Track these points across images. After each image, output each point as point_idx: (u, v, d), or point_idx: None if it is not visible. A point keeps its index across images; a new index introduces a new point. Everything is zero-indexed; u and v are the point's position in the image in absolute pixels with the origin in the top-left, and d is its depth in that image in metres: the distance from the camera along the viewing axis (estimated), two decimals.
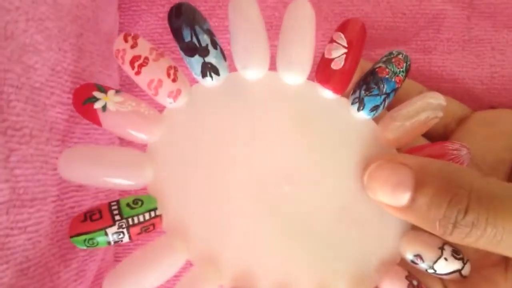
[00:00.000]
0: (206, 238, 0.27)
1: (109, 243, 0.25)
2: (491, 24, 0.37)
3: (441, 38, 0.37)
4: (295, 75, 0.27)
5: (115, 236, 0.25)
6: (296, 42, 0.26)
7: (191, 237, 0.27)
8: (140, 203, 0.25)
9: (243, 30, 0.26)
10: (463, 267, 0.26)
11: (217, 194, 0.27)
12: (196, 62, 0.25)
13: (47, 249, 0.27)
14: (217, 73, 0.26)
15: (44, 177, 0.27)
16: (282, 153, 0.27)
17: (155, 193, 0.27)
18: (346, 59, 0.26)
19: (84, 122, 0.30)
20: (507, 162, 0.31)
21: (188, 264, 0.27)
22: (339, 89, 0.27)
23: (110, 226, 0.25)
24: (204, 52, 0.25)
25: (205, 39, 0.25)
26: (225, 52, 0.26)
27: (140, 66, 0.25)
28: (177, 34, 0.25)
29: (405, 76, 0.27)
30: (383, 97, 0.26)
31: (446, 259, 0.26)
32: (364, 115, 0.27)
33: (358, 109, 0.27)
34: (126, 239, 0.25)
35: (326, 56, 0.26)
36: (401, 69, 0.27)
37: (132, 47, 0.25)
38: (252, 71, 0.27)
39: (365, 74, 0.27)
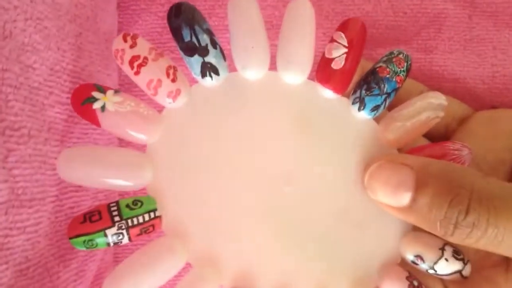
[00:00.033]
0: (205, 239, 0.27)
1: (108, 244, 0.25)
2: (493, 23, 0.37)
3: (442, 38, 0.37)
4: (295, 74, 0.27)
5: (114, 237, 0.25)
6: (296, 41, 0.26)
7: (190, 238, 0.27)
8: (139, 204, 0.25)
9: (243, 30, 0.26)
10: (463, 268, 0.26)
11: (216, 195, 0.27)
12: (195, 62, 0.25)
13: (46, 249, 0.27)
14: (216, 73, 0.26)
15: (42, 177, 0.27)
16: (282, 154, 0.27)
17: (154, 194, 0.27)
18: (346, 59, 0.26)
19: (83, 122, 0.30)
20: (507, 162, 0.31)
21: (188, 265, 0.27)
22: (340, 89, 0.27)
23: (110, 227, 0.24)
24: (203, 51, 0.25)
25: (204, 39, 0.25)
26: (225, 52, 0.26)
27: (139, 66, 0.25)
28: (176, 34, 0.25)
29: (406, 76, 0.27)
30: (384, 97, 0.26)
31: (446, 259, 0.25)
32: (364, 115, 0.27)
33: (359, 109, 0.27)
34: (125, 240, 0.25)
35: (327, 55, 0.26)
36: (402, 69, 0.27)
37: (131, 47, 0.25)
38: (252, 71, 0.27)
39: (365, 73, 0.27)
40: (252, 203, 0.27)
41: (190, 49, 0.25)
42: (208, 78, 0.26)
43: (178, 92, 0.26)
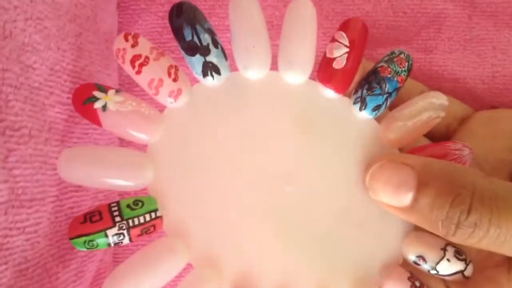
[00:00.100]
0: (206, 239, 0.27)
1: (109, 244, 0.25)
2: (493, 23, 0.37)
3: (442, 38, 0.37)
4: (297, 74, 0.27)
5: (115, 237, 0.24)
6: (297, 41, 0.26)
7: (191, 238, 0.27)
8: (140, 204, 0.25)
9: (244, 29, 0.26)
10: (465, 268, 0.26)
11: (218, 195, 0.27)
12: (197, 61, 0.25)
13: (46, 249, 0.27)
14: (218, 72, 0.26)
15: (43, 177, 0.27)
16: (283, 153, 0.27)
17: (155, 194, 0.26)
18: (348, 58, 0.26)
19: (84, 122, 0.30)
20: (508, 162, 0.31)
21: (189, 266, 0.27)
22: (341, 89, 0.27)
23: (110, 227, 0.24)
24: (205, 51, 0.25)
25: (206, 38, 0.25)
26: (226, 52, 0.26)
27: (141, 65, 0.25)
28: (178, 33, 0.25)
29: (407, 76, 0.27)
30: (385, 96, 0.26)
31: (448, 260, 0.25)
32: (366, 115, 0.27)
33: (360, 109, 0.27)
34: (126, 240, 0.25)
35: (328, 55, 0.26)
36: (403, 69, 0.27)
37: (133, 46, 0.25)
38: (253, 70, 0.27)
39: (367, 73, 0.27)
40: (253, 203, 0.27)
41: (192, 49, 0.25)
42: (209, 78, 0.26)
43: (179, 91, 0.26)
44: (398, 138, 0.27)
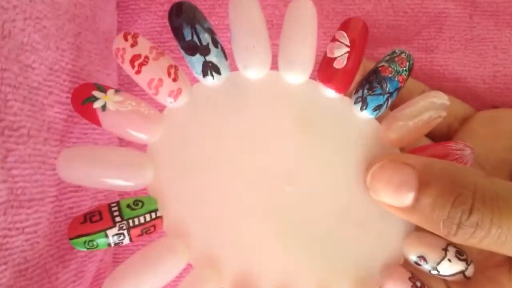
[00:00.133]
0: (207, 239, 0.27)
1: (109, 245, 0.25)
2: (494, 22, 0.37)
3: (443, 37, 0.37)
4: (297, 74, 0.27)
5: (115, 237, 0.24)
6: (298, 41, 0.26)
7: (191, 238, 0.27)
8: (140, 204, 0.25)
9: (244, 29, 0.26)
10: (466, 268, 0.25)
11: (218, 195, 0.27)
12: (197, 61, 0.25)
13: (45, 250, 0.27)
14: (218, 72, 0.26)
15: (42, 178, 0.27)
16: (284, 153, 0.27)
17: (155, 194, 0.26)
18: (348, 58, 0.26)
19: (83, 122, 0.30)
20: (510, 162, 0.31)
21: (190, 266, 0.27)
22: (342, 88, 0.27)
23: (111, 227, 0.24)
24: (205, 51, 0.25)
25: (206, 38, 0.25)
26: (226, 51, 0.26)
27: (140, 65, 0.25)
28: (177, 33, 0.25)
29: (408, 75, 0.27)
30: (386, 96, 0.26)
31: (449, 260, 0.25)
32: (367, 115, 0.27)
33: (361, 109, 0.27)
34: (126, 240, 0.25)
35: (329, 55, 0.26)
36: (404, 68, 0.26)
37: (132, 46, 0.25)
38: (253, 70, 0.27)
39: (368, 73, 0.27)
40: (253, 202, 0.27)
41: (192, 48, 0.25)
42: (209, 77, 0.26)
43: (179, 91, 0.26)
44: (399, 138, 0.27)
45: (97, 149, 0.27)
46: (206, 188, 0.27)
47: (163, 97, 0.26)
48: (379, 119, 0.27)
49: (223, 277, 0.27)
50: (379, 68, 0.26)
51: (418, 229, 0.26)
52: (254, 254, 0.27)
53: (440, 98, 0.26)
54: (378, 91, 0.26)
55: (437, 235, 0.24)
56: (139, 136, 0.26)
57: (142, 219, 0.25)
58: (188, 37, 0.25)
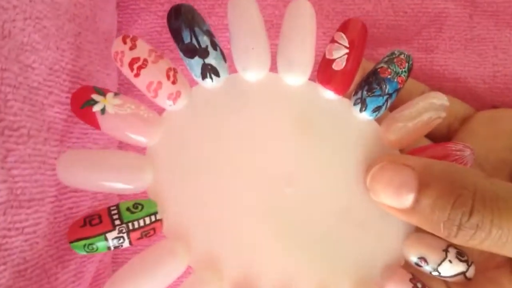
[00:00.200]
0: (207, 242, 0.27)
1: (109, 248, 0.25)
2: (494, 22, 0.37)
3: (443, 37, 0.37)
4: (296, 76, 0.27)
5: (115, 241, 0.24)
6: (297, 43, 0.26)
7: (192, 241, 0.27)
8: (140, 207, 0.25)
9: (243, 31, 0.26)
10: (467, 270, 0.25)
11: (217, 197, 0.27)
12: (196, 63, 0.25)
13: (44, 250, 0.27)
14: (217, 74, 0.26)
15: (42, 178, 0.27)
16: (284, 155, 0.27)
17: (155, 196, 0.26)
18: (347, 60, 0.26)
19: (83, 122, 0.30)
20: (510, 162, 0.31)
21: (190, 269, 0.27)
22: (341, 90, 0.27)
23: (110, 231, 0.24)
24: (204, 53, 0.25)
25: (204, 40, 0.25)
26: (226, 51, 0.26)
27: (139, 68, 0.25)
28: (176, 36, 0.25)
29: (407, 76, 0.27)
30: (385, 97, 0.26)
31: (450, 261, 0.25)
32: (366, 116, 0.27)
33: (360, 110, 0.27)
34: (126, 244, 0.25)
35: (328, 56, 0.26)
36: (403, 69, 0.26)
37: (131, 49, 0.25)
38: (253, 72, 0.27)
39: (367, 74, 0.27)
40: (253, 204, 0.27)
41: (190, 51, 0.25)
42: (208, 80, 0.26)
43: (178, 94, 0.26)
44: (398, 139, 0.27)
45: (97, 152, 0.27)
46: (205, 191, 0.27)
47: (162, 100, 0.26)
48: (379, 120, 0.27)
49: (223, 280, 0.27)
50: (378, 70, 0.26)
51: (418, 230, 0.26)
52: (254, 255, 0.27)
53: (439, 99, 0.26)
54: (377, 93, 0.26)
55: (438, 236, 0.24)
56: (139, 139, 0.26)
57: (141, 222, 0.25)
58: (187, 40, 0.25)
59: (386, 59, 0.27)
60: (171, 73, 0.25)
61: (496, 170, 0.31)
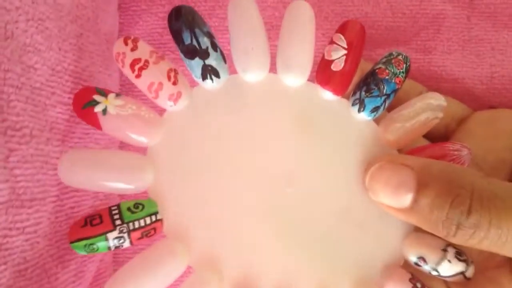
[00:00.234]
0: (207, 241, 0.27)
1: (109, 248, 0.25)
2: (491, 24, 0.37)
3: (441, 38, 0.37)
4: (295, 77, 0.27)
5: (115, 241, 0.24)
6: (296, 44, 0.26)
7: (192, 241, 0.27)
8: (141, 207, 0.25)
9: (243, 32, 0.26)
10: (466, 269, 0.25)
11: (218, 197, 0.27)
12: (196, 64, 0.25)
13: (45, 250, 0.27)
14: (217, 75, 0.26)
15: (44, 177, 0.27)
16: (283, 155, 0.27)
17: (155, 197, 0.27)
18: (346, 61, 0.26)
19: (85, 122, 0.30)
20: (507, 162, 0.31)
21: (190, 269, 0.27)
22: (340, 91, 0.27)
23: (111, 231, 0.24)
24: (204, 54, 0.25)
25: (205, 42, 0.25)
26: (226, 53, 0.26)
27: (141, 69, 0.25)
28: (177, 37, 0.25)
29: (405, 77, 0.27)
30: (383, 98, 0.26)
31: (449, 261, 0.25)
32: (364, 116, 0.27)
33: (359, 110, 0.27)
34: (127, 244, 0.25)
35: (326, 57, 0.26)
36: (401, 70, 0.27)
37: (132, 50, 0.25)
38: (252, 73, 0.27)
39: (365, 75, 0.27)
40: (253, 204, 0.27)
41: (191, 52, 0.25)
42: (208, 81, 0.26)
43: (179, 95, 0.26)
44: (396, 139, 0.27)
45: (98, 152, 0.27)
46: (206, 191, 0.27)
47: (163, 101, 0.26)
48: (377, 120, 0.27)
49: (223, 280, 0.27)
50: (376, 70, 0.27)
51: (417, 229, 0.26)
52: (254, 255, 0.27)
53: (437, 99, 0.27)
54: (376, 93, 0.26)
55: (437, 236, 0.24)
56: (139, 139, 0.26)
57: (142, 222, 0.25)
58: (187, 41, 0.25)
59: (384, 60, 0.27)
60: (172, 74, 0.26)
61: (495, 170, 0.31)
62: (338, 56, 0.26)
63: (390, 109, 0.28)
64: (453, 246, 0.26)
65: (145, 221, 0.25)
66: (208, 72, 0.26)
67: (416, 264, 0.26)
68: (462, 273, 0.25)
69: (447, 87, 0.37)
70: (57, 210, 0.28)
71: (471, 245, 0.23)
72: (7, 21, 0.24)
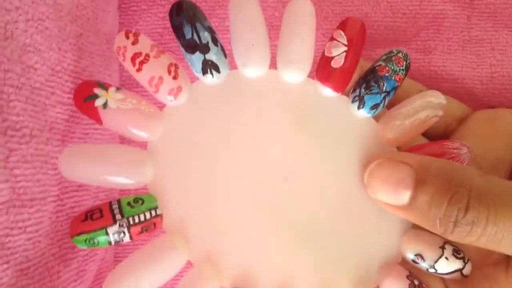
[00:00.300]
0: (206, 237, 0.27)
1: (109, 243, 0.25)
2: (491, 24, 0.37)
3: (441, 38, 0.37)
4: (295, 73, 0.27)
5: (116, 235, 0.24)
6: (296, 40, 0.26)
7: (191, 237, 0.27)
8: (140, 201, 0.25)
9: (244, 27, 0.26)
10: (464, 267, 0.26)
11: (217, 193, 0.27)
12: (196, 59, 0.26)
13: (47, 249, 0.27)
14: (217, 70, 0.26)
15: (44, 177, 0.27)
16: (282, 151, 0.27)
17: (155, 191, 0.27)
18: (346, 57, 0.26)
19: (84, 122, 0.30)
20: (507, 161, 0.31)
21: (189, 264, 0.27)
22: (339, 87, 0.27)
23: (111, 225, 0.24)
24: (205, 49, 0.25)
25: (206, 36, 0.25)
26: (226, 52, 0.26)
27: (141, 63, 0.25)
28: (178, 31, 0.25)
29: (405, 75, 0.27)
30: (383, 95, 0.26)
31: (447, 258, 0.25)
32: (364, 113, 0.27)
33: (358, 107, 0.27)
34: (127, 238, 0.25)
35: (326, 54, 0.26)
36: (401, 68, 0.27)
37: (133, 43, 0.25)
38: (253, 69, 0.27)
39: (365, 72, 0.27)
40: (252, 201, 0.27)
41: (191, 46, 0.25)
42: (209, 76, 0.26)
43: (179, 89, 0.26)
44: (396, 137, 0.27)
45: (98, 147, 0.27)
46: (205, 186, 0.27)
47: (163, 95, 0.26)
48: (376, 118, 0.27)
49: (223, 275, 0.27)
50: (376, 67, 0.27)
51: (415, 227, 0.26)
52: (253, 251, 0.27)
53: (437, 98, 0.27)
54: (375, 90, 0.26)
55: (434, 234, 0.24)
56: (140, 133, 0.26)
57: (142, 217, 0.25)
58: (188, 35, 0.25)
59: (384, 58, 0.27)
60: (173, 68, 0.26)
61: (494, 169, 0.31)
62: (338, 52, 0.26)
63: (389, 106, 0.28)
64: (451, 243, 0.26)
65: (144, 215, 0.25)
66: (209, 66, 0.26)
67: (414, 261, 0.26)
68: (460, 270, 0.26)
69: (447, 87, 0.37)
70: (58, 210, 0.28)
71: (468, 242, 0.23)
72: (7, 21, 0.24)
